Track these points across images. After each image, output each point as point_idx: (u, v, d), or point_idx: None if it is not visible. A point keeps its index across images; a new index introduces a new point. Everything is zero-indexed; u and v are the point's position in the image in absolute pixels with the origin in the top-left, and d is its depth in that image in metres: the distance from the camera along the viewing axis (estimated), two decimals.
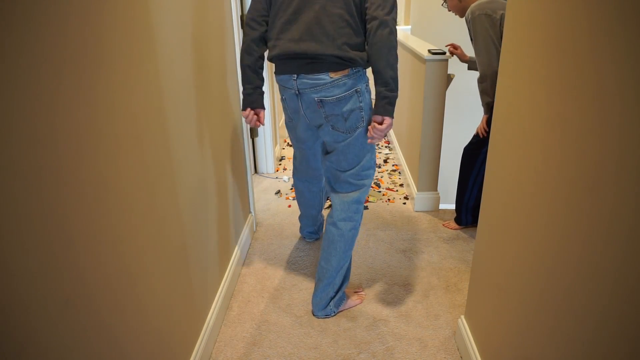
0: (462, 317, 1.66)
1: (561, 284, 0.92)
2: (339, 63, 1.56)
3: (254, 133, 3.17)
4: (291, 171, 3.33)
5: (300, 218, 2.34)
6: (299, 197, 2.20)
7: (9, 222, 0.66)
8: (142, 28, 1.11)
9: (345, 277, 1.86)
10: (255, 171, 3.35)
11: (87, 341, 0.87)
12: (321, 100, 1.63)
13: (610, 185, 0.76)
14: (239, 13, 2.65)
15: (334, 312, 1.86)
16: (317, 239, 2.42)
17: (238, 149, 2.18)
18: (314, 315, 1.87)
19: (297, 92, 1.66)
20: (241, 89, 2.08)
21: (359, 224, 1.83)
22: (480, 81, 2.10)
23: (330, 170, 1.81)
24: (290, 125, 1.88)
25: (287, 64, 1.63)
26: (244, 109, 1.73)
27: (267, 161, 3.30)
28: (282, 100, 1.78)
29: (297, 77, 1.62)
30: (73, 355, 0.82)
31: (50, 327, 0.76)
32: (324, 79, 1.59)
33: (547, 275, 0.98)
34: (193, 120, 1.50)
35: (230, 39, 2.06)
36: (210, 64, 1.70)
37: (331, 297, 1.84)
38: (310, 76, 1.60)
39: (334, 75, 1.58)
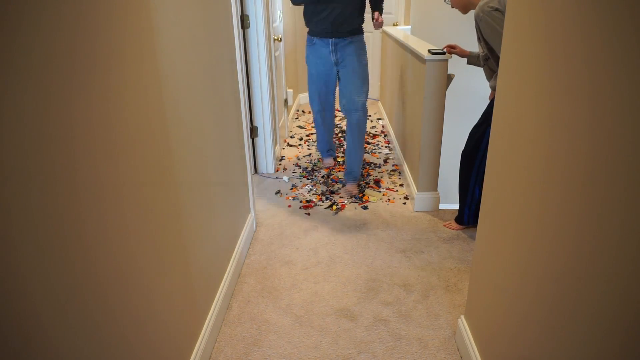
0: (462, 317, 1.66)
1: (560, 284, 0.92)
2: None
3: (254, 133, 3.17)
4: (291, 172, 3.36)
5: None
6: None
7: (10, 222, 0.66)
8: (142, 28, 1.11)
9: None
10: (255, 171, 3.35)
11: (87, 341, 0.87)
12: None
13: (608, 186, 0.76)
14: (239, 13, 2.65)
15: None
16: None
17: (238, 149, 2.18)
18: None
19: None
20: (243, 84, 2.12)
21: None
22: None
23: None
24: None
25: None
26: None
27: (267, 161, 3.30)
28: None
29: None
30: (73, 354, 0.82)
31: (51, 325, 0.76)
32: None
33: (546, 275, 0.98)
34: (193, 119, 1.50)
35: (231, 38, 2.05)
36: (210, 63, 1.70)
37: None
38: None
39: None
